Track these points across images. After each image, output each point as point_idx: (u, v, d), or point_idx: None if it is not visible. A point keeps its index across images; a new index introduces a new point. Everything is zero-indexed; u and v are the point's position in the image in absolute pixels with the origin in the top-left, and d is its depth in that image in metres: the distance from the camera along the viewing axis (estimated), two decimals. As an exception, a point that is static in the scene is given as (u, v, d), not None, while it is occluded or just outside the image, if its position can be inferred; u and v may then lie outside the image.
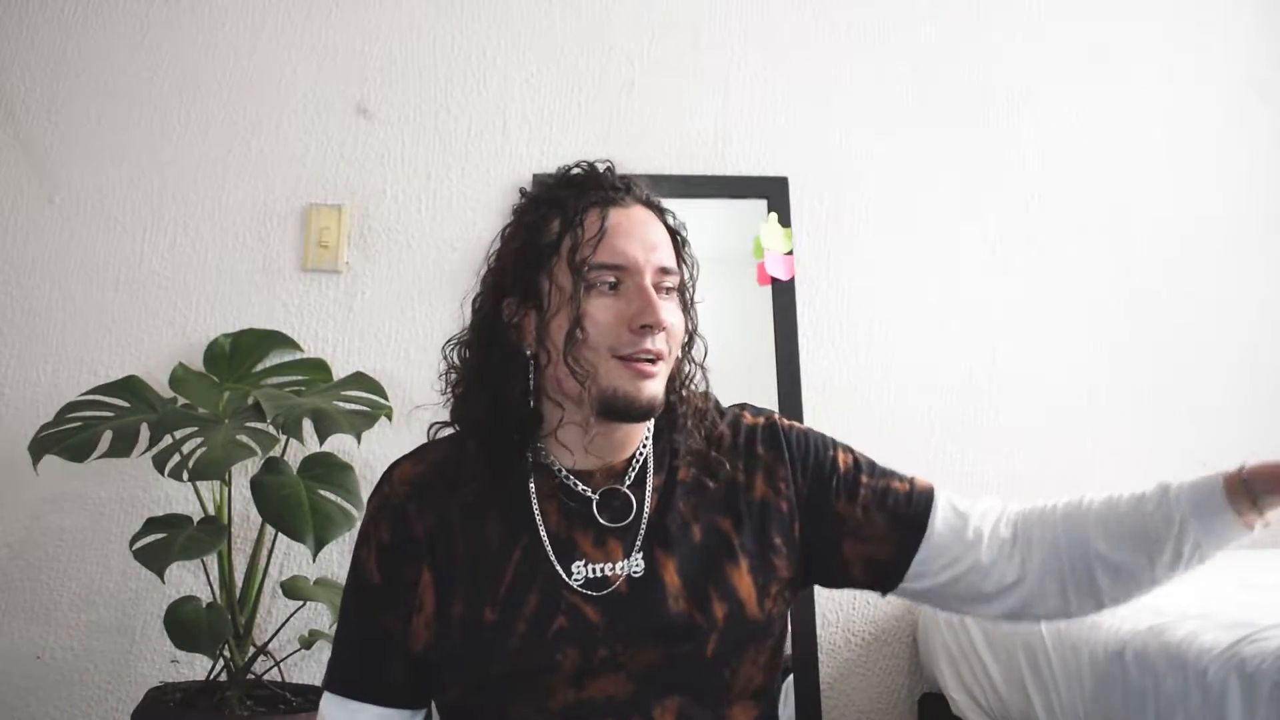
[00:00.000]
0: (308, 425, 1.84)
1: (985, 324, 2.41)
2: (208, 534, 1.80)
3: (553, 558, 1.12)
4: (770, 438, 1.22)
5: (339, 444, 1.97)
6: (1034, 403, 2.40)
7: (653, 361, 1.11)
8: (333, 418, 1.83)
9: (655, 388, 1.12)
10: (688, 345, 1.20)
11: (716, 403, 1.25)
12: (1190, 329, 2.48)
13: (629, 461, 1.18)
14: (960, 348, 2.40)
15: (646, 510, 1.16)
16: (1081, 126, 2.50)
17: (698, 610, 1.11)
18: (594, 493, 1.16)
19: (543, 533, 1.13)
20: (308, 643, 1.93)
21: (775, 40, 2.44)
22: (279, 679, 1.95)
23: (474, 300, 1.19)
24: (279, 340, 2.18)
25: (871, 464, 1.23)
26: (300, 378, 2.11)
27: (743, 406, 1.27)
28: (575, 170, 1.19)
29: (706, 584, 1.13)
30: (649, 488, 1.18)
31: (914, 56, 2.47)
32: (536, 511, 1.14)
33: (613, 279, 1.12)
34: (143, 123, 2.25)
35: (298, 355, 2.19)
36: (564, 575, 1.12)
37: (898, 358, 2.37)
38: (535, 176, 1.21)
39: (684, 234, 1.20)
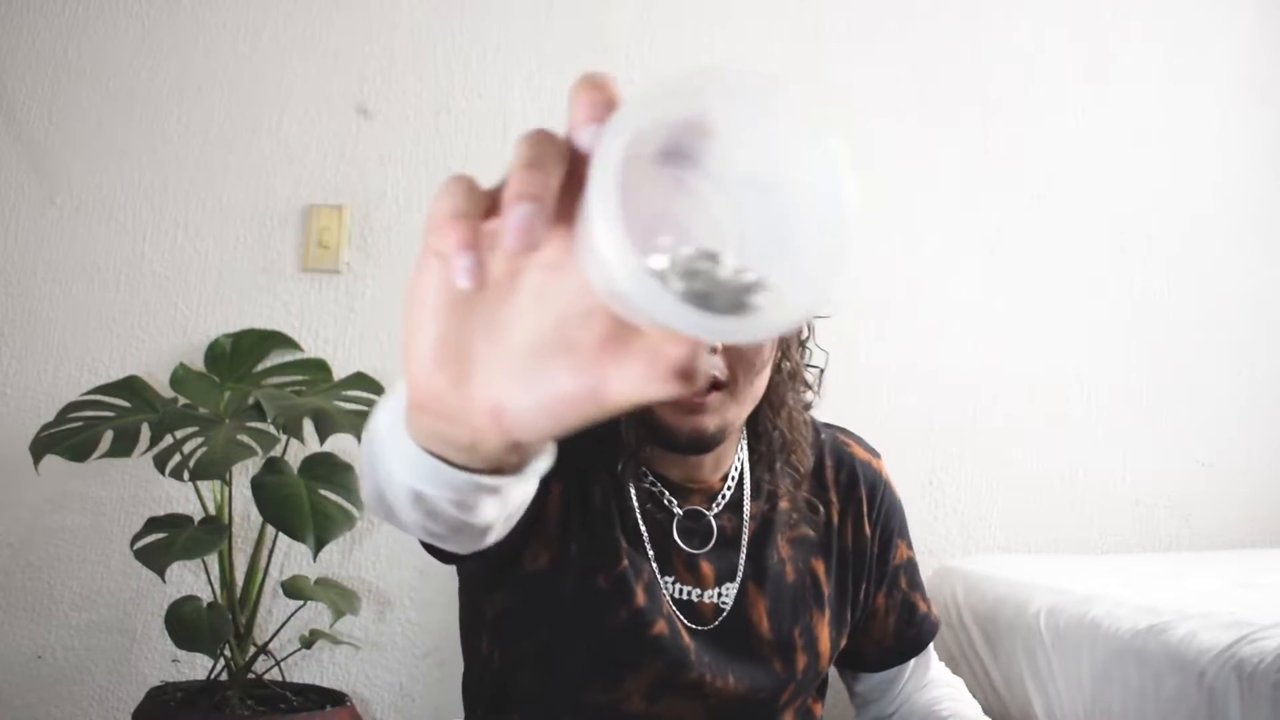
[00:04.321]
0: (308, 425, 1.84)
1: (985, 324, 2.41)
2: (208, 534, 1.80)
3: (654, 563, 1.05)
4: (871, 487, 1.14)
5: (339, 444, 1.98)
6: (1033, 403, 2.40)
7: (704, 391, 0.98)
8: (333, 418, 1.83)
9: (707, 421, 0.99)
10: (791, 367, 1.08)
11: (815, 432, 1.14)
12: (1189, 329, 2.49)
13: (724, 480, 1.09)
14: (960, 348, 2.40)
15: (745, 540, 1.08)
16: (1081, 126, 2.51)
17: (780, 659, 1.06)
18: (680, 509, 1.07)
19: (645, 534, 1.06)
20: (308, 642, 1.93)
21: (775, 42, 2.44)
22: (280, 679, 1.95)
23: None
24: (279, 340, 2.18)
25: (914, 568, 1.17)
26: (301, 378, 2.11)
27: (845, 433, 1.18)
28: None
29: (793, 632, 1.07)
30: (746, 514, 1.09)
31: (913, 57, 2.47)
32: (638, 511, 1.06)
33: None
34: (143, 123, 2.26)
35: (298, 355, 2.19)
36: (662, 585, 1.04)
37: (898, 358, 2.38)
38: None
39: None
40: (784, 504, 1.10)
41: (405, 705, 2.17)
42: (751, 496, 1.09)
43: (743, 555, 1.07)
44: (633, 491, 1.06)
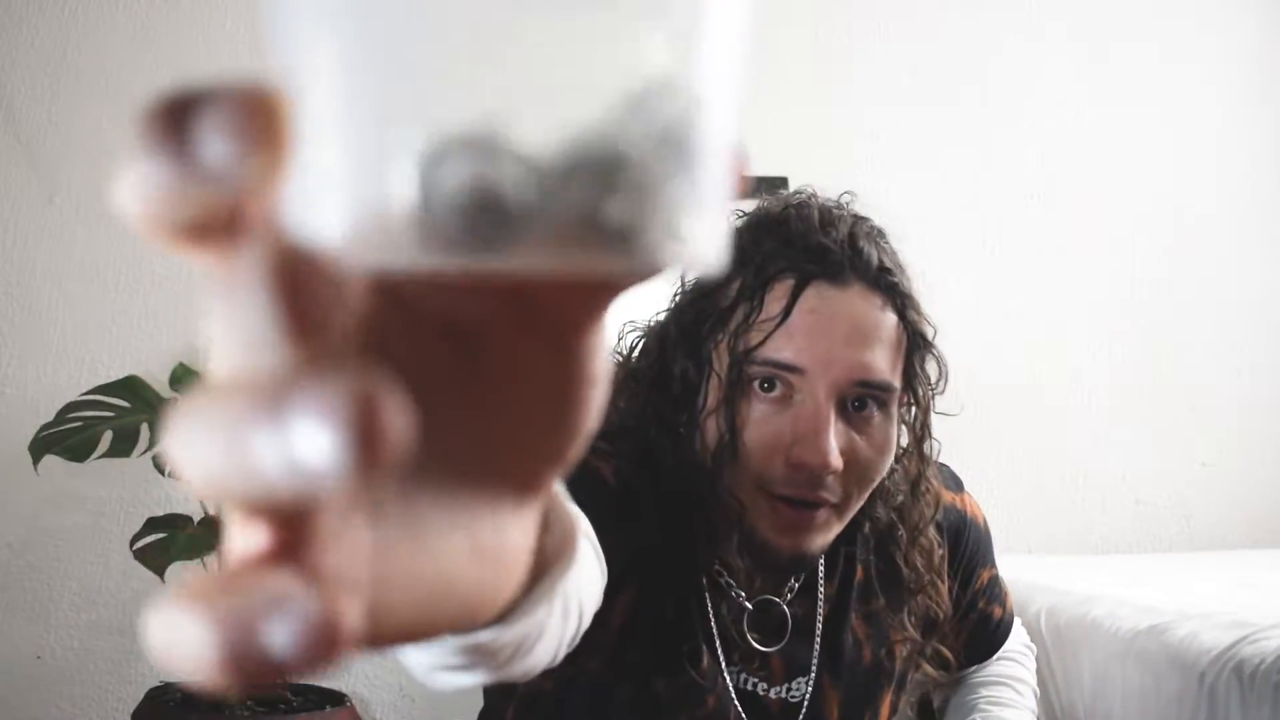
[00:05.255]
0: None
1: (985, 324, 2.41)
2: (208, 534, 1.80)
3: (723, 664, 0.92)
4: (956, 536, 1.02)
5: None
6: (1033, 403, 2.40)
7: (813, 507, 0.83)
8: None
9: (812, 540, 0.85)
10: (927, 486, 0.94)
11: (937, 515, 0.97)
12: (1189, 328, 2.49)
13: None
14: (959, 349, 2.39)
15: (819, 627, 0.95)
16: (1081, 126, 2.51)
17: None
18: (750, 602, 0.93)
19: (716, 635, 0.91)
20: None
21: (775, 41, 2.44)
22: (280, 678, 1.95)
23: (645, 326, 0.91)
24: (279, 340, 2.18)
25: (995, 583, 1.08)
26: (300, 378, 2.11)
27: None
28: (794, 204, 0.87)
29: (864, 717, 0.98)
30: (820, 598, 0.96)
31: (913, 57, 2.47)
32: (711, 614, 0.91)
33: (776, 380, 0.82)
34: (143, 123, 2.25)
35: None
36: (731, 687, 0.92)
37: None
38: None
39: (928, 332, 0.93)
40: (859, 573, 0.96)
41: (405, 705, 2.16)
42: (825, 578, 0.96)
43: (816, 646, 0.95)
44: (708, 595, 0.93)
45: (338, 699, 1.87)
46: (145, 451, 1.83)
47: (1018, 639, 1.20)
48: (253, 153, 0.18)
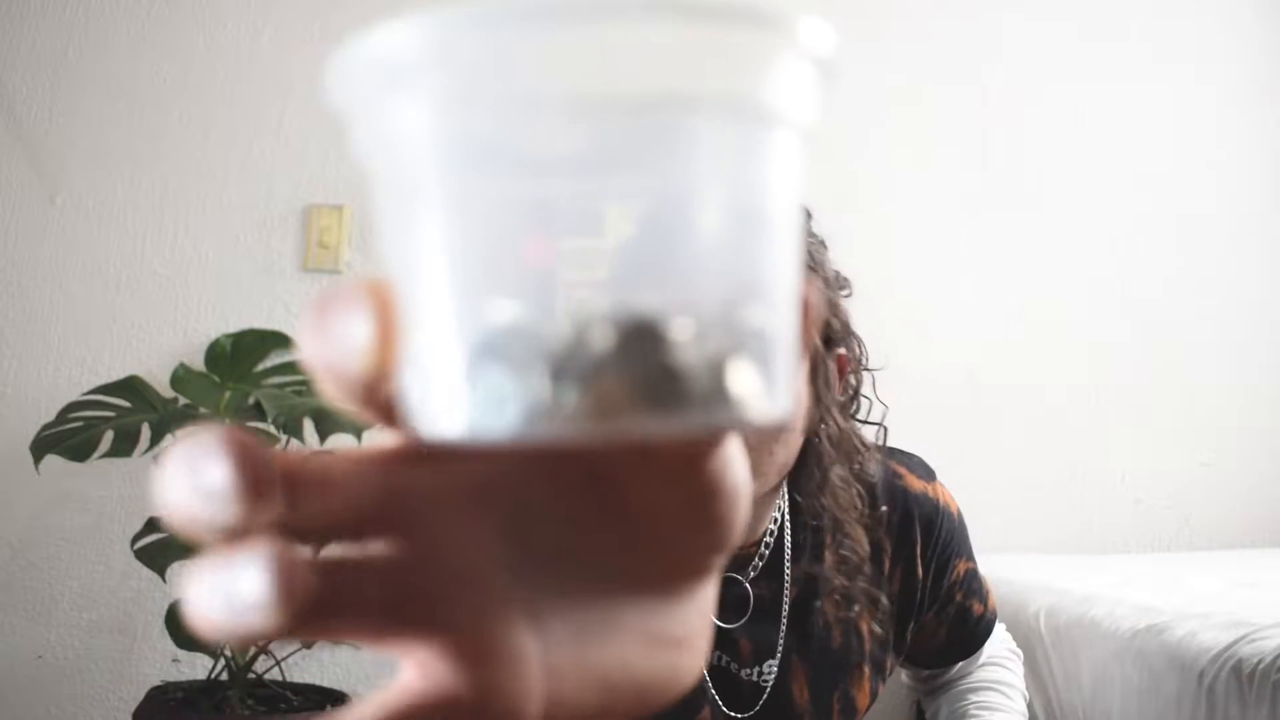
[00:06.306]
0: (309, 425, 1.85)
1: (984, 324, 2.41)
2: (209, 534, 1.80)
3: None
4: (928, 525, 1.05)
5: (340, 444, 1.98)
6: (1033, 403, 2.40)
7: None
8: (333, 418, 1.83)
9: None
10: (832, 433, 0.97)
11: (866, 457, 1.00)
12: (1189, 328, 2.49)
13: (759, 544, 0.99)
14: (958, 349, 2.40)
15: (785, 609, 0.98)
16: (1080, 125, 2.51)
17: None
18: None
19: None
20: (309, 642, 1.93)
21: (775, 40, 2.44)
22: (280, 678, 1.95)
23: None
24: (280, 341, 2.18)
25: (973, 576, 1.11)
26: (301, 378, 2.11)
27: (898, 459, 1.08)
28: None
29: (833, 700, 1.00)
30: (787, 577, 0.98)
31: (911, 60, 2.47)
32: None
33: None
34: (143, 123, 2.26)
35: (298, 355, 2.19)
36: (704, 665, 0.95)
37: (895, 360, 2.37)
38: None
39: (813, 242, 0.92)
40: (829, 559, 0.99)
41: (405, 705, 2.16)
42: (792, 559, 0.99)
43: (783, 628, 0.99)
44: None
45: (338, 698, 1.88)
46: (146, 451, 1.84)
47: (1003, 644, 1.21)
48: (370, 333, 0.24)
